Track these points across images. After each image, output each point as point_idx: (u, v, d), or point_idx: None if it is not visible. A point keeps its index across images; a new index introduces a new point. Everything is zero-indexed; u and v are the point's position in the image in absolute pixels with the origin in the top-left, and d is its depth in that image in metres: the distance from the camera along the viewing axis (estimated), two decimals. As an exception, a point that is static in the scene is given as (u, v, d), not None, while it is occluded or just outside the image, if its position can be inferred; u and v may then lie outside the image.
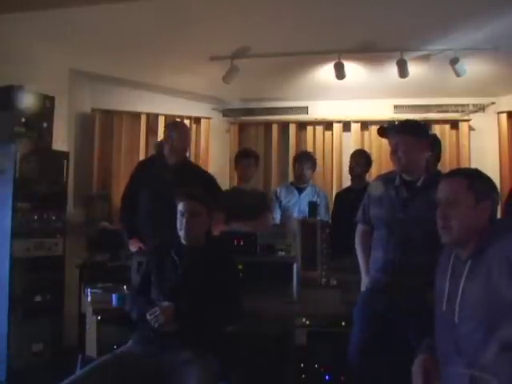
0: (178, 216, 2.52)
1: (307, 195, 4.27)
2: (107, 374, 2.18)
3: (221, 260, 2.56)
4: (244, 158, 4.08)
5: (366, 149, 4.84)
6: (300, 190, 4.32)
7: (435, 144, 3.57)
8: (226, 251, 2.79)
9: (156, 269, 2.55)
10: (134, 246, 3.36)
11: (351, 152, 4.40)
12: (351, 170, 4.26)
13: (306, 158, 4.42)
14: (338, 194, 4.55)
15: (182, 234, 2.52)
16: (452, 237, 1.75)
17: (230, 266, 2.58)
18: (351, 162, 4.26)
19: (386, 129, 2.70)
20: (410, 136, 2.48)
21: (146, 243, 3.26)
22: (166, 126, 3.89)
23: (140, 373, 2.24)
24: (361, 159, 4.21)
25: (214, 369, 2.29)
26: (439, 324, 1.79)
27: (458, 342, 1.67)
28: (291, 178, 4.95)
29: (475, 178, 1.76)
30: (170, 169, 3.51)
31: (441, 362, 1.74)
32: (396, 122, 3.27)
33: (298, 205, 4.25)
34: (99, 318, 2.78)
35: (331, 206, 4.39)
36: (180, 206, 2.52)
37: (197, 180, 3.63)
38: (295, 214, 4.16)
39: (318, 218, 3.52)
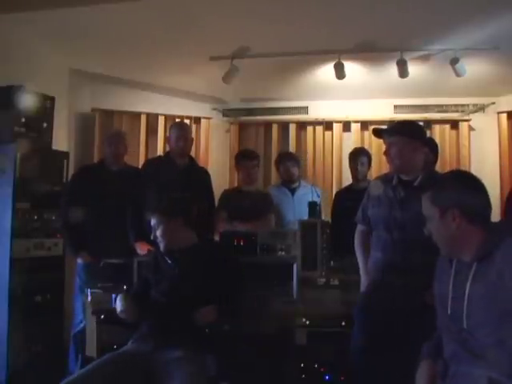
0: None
1: (303, 195, 4.03)
2: (104, 374, 2.20)
3: (217, 259, 2.61)
4: (247, 159, 4.05)
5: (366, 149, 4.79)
6: (292, 191, 4.16)
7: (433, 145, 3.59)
8: (223, 250, 2.83)
9: (152, 272, 2.64)
10: (142, 249, 3.34)
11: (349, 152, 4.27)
12: (355, 171, 4.06)
13: (287, 158, 4.31)
14: (337, 193, 4.46)
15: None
16: (442, 251, 1.79)
17: (227, 265, 2.61)
18: (354, 163, 4.07)
19: (380, 130, 2.73)
20: (402, 137, 2.50)
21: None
22: (169, 128, 3.92)
23: (134, 371, 2.26)
24: (365, 159, 4.09)
25: (206, 367, 2.30)
26: (445, 327, 1.78)
27: (470, 344, 1.66)
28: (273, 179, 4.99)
29: (436, 191, 1.79)
30: (178, 170, 3.54)
31: (451, 361, 1.73)
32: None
33: (292, 207, 4.05)
34: (99, 318, 2.79)
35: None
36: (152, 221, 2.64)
37: (203, 179, 3.70)
38: (290, 218, 3.95)
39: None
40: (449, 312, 1.74)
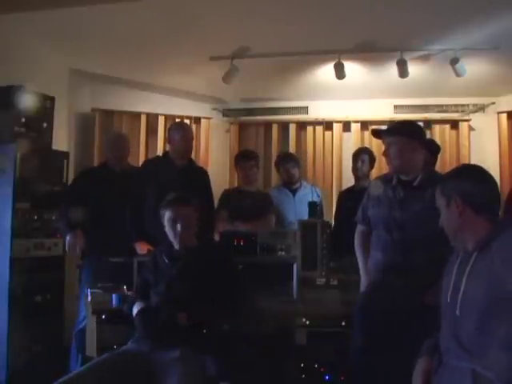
0: (170, 223, 2.55)
1: (304, 196, 4.04)
2: (102, 373, 2.19)
3: (216, 260, 2.60)
4: (244, 160, 4.06)
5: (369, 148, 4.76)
6: (293, 192, 4.15)
7: (433, 146, 3.60)
8: (223, 251, 2.84)
9: (152, 273, 2.63)
10: (142, 249, 3.33)
11: (352, 152, 4.29)
12: (356, 170, 4.09)
13: (287, 159, 4.29)
14: (340, 194, 4.47)
15: (176, 240, 2.57)
16: (450, 241, 1.83)
17: (226, 266, 2.61)
18: (355, 162, 4.10)
19: (379, 131, 2.73)
20: (401, 137, 2.50)
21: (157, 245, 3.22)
22: (169, 128, 3.91)
23: (133, 371, 2.25)
24: (366, 157, 4.10)
25: (205, 367, 2.29)
26: (443, 316, 1.81)
27: (459, 334, 1.68)
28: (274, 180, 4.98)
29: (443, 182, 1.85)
30: (177, 170, 3.54)
31: (443, 353, 1.75)
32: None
33: (293, 208, 4.04)
34: (99, 318, 2.78)
35: (333, 206, 4.37)
36: (170, 213, 2.55)
37: (202, 179, 3.69)
38: (292, 218, 3.93)
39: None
40: (448, 301, 1.76)
